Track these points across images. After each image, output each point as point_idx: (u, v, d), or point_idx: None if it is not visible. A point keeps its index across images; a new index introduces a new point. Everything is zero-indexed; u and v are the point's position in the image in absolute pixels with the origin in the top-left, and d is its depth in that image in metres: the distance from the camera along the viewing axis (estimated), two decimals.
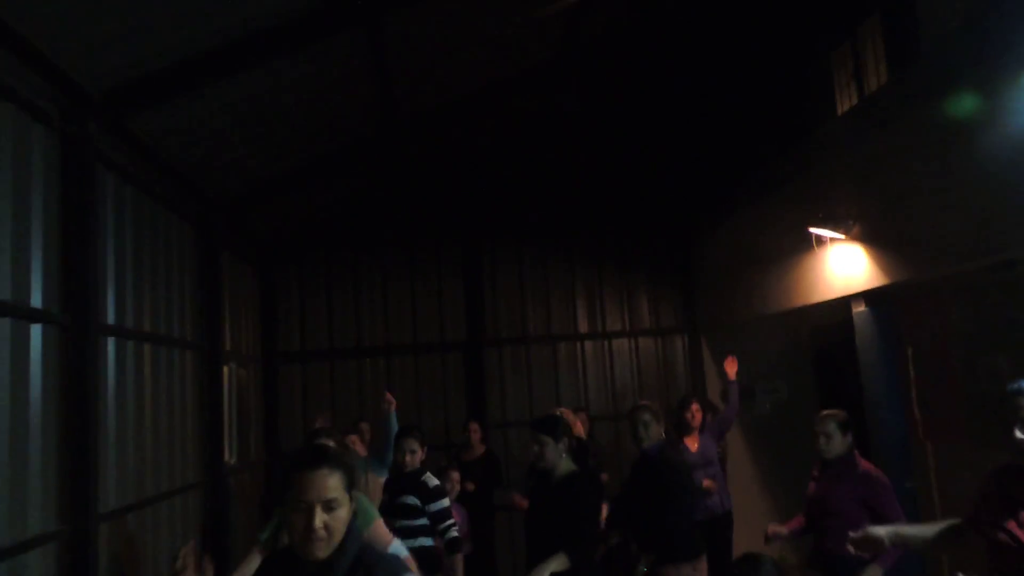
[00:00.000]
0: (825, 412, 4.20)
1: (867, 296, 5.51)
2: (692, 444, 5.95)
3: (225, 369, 6.49)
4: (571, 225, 8.94)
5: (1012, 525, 2.29)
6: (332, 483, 1.91)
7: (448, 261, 8.78)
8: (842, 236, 5.34)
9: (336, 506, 1.90)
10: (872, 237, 5.18)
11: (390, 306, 8.65)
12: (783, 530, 4.32)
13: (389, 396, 5.88)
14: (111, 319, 4.46)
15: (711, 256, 8.43)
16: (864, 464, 4.13)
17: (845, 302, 5.78)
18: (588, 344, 8.83)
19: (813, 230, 5.48)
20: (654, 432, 4.44)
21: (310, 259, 8.59)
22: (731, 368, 6.47)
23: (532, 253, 8.89)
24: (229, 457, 6.51)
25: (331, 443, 3.24)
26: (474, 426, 7.15)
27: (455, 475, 5.95)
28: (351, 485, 1.98)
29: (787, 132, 6.93)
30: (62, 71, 3.77)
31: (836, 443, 4.08)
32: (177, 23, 4.03)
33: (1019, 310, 4.94)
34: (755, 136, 7.78)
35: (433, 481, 4.67)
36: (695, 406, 6.03)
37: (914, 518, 5.46)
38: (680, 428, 6.02)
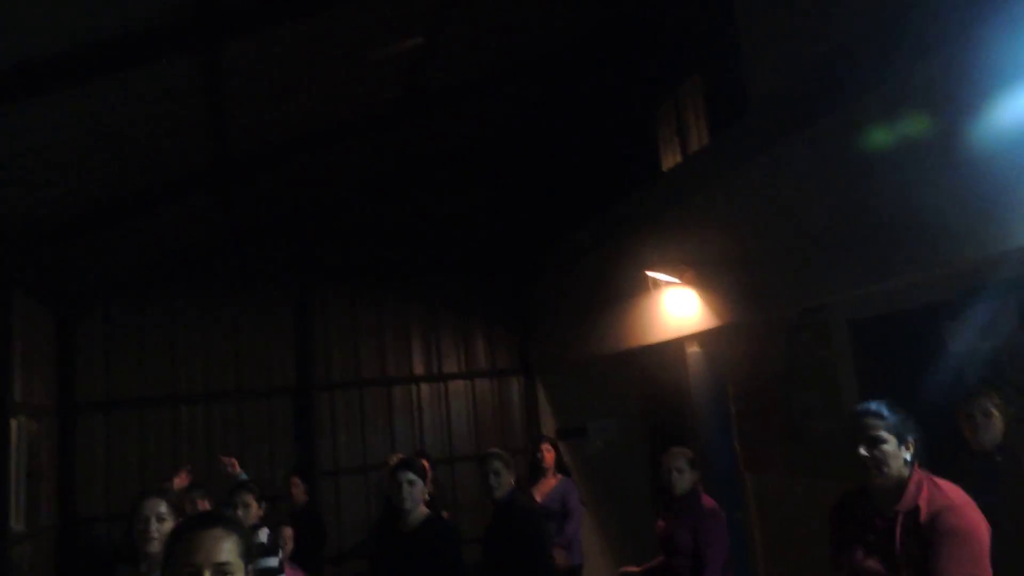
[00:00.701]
0: (676, 448, 4.26)
1: (698, 338, 5.82)
2: (538, 493, 5.71)
3: (13, 422, 5.68)
4: (407, 267, 8.81)
5: (873, 562, 2.42)
6: (226, 546, 1.66)
7: (277, 302, 8.33)
8: (676, 281, 5.60)
9: (229, 572, 1.64)
10: (702, 283, 5.48)
11: (211, 350, 8.03)
12: (635, 569, 4.37)
13: (225, 458, 5.72)
14: None
15: (548, 299, 8.59)
16: (707, 500, 4.20)
17: (677, 344, 6.07)
18: (424, 387, 8.68)
19: (650, 273, 5.71)
20: (505, 480, 4.29)
21: (119, 300, 7.80)
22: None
23: (366, 295, 8.64)
24: (16, 523, 5.67)
25: (163, 507, 2.85)
26: (295, 479, 6.95)
27: (288, 531, 5.58)
28: (248, 555, 1.71)
29: (624, 182, 7.25)
30: None
31: (686, 479, 4.16)
32: None
33: (826, 350, 5.42)
34: (595, 184, 8.09)
35: (260, 537, 4.32)
36: (545, 445, 5.98)
37: (741, 547, 5.78)
38: (535, 470, 5.91)
